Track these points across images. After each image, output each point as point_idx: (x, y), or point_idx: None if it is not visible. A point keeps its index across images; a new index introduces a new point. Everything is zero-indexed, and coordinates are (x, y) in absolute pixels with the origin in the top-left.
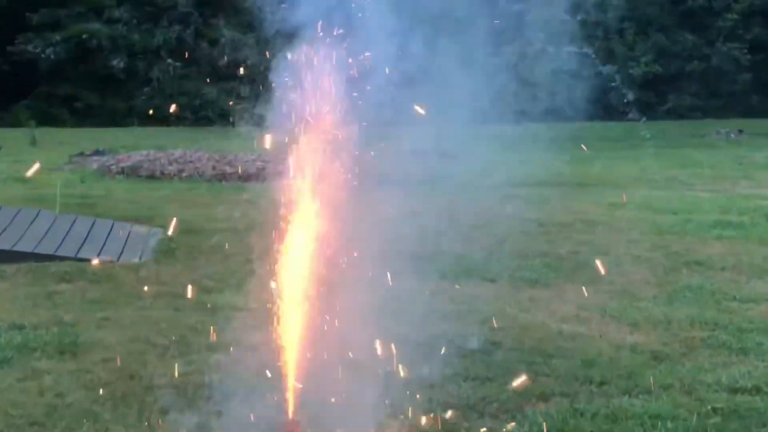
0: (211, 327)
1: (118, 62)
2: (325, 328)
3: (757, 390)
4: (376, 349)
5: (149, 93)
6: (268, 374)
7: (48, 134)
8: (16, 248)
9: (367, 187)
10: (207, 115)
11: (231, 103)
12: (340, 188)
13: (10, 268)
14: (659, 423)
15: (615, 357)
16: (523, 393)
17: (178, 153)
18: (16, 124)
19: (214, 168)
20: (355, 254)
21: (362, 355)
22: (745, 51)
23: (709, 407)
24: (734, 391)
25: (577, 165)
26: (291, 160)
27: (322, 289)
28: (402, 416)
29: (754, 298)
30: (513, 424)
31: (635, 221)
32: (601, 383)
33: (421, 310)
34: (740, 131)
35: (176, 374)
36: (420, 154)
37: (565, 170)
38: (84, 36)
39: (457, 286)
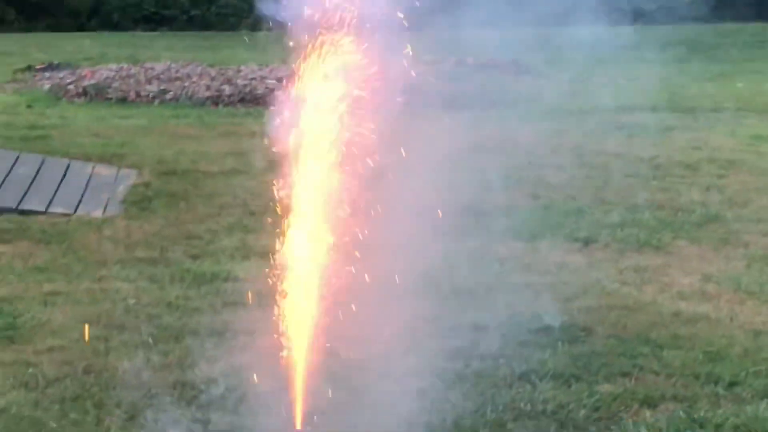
0: (197, 304)
1: None
2: (354, 309)
3: None
4: (419, 334)
5: None
6: (274, 369)
7: None
8: None
9: (418, 113)
10: (202, 14)
11: None
12: (382, 113)
13: None
14: None
15: (752, 347)
16: (622, 396)
17: (159, 67)
18: None
19: (208, 88)
20: (400, 205)
21: (400, 343)
22: None
23: None
24: None
25: (708, 82)
26: (313, 74)
27: (352, 255)
28: (451, 424)
29: None
30: None
31: None
32: (732, 384)
33: (484, 281)
34: None
35: (148, 369)
36: (490, 69)
37: (691, 89)
38: None
39: (534, 249)
